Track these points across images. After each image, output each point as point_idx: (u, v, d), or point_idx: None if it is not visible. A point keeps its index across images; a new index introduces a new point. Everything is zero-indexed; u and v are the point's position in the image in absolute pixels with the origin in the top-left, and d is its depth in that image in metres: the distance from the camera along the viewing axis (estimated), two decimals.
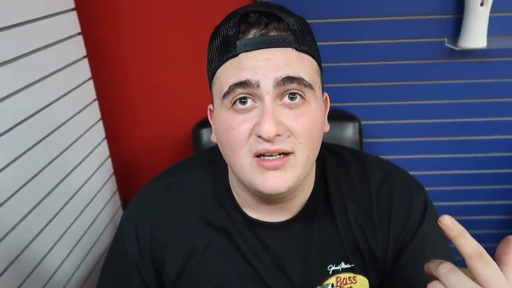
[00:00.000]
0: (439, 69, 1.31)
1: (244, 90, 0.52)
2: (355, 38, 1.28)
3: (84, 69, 1.21)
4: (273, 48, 0.52)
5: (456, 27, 1.25)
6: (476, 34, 1.20)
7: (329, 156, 0.68)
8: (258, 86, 0.51)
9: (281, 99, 0.53)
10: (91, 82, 1.24)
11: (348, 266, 0.63)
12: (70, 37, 1.12)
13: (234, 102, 0.53)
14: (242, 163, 0.54)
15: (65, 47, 1.10)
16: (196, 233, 0.65)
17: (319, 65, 0.58)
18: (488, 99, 1.35)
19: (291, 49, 0.53)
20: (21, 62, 0.92)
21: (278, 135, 0.51)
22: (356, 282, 0.64)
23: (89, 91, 1.24)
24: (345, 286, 0.63)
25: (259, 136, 0.51)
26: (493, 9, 1.18)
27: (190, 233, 0.66)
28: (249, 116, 0.53)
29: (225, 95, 0.53)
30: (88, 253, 1.19)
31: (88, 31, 1.25)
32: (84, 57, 1.21)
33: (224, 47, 0.54)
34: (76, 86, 1.15)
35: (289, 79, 0.51)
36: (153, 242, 0.66)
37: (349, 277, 0.63)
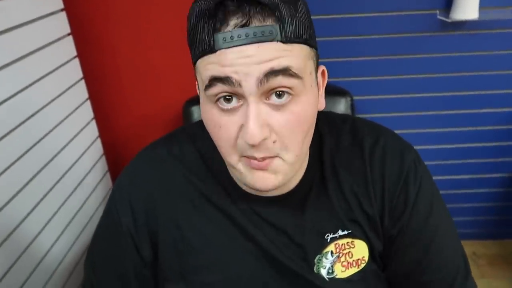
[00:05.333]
0: (431, 42, 1.30)
1: (226, 87, 0.48)
2: (345, 12, 1.26)
3: (69, 47, 1.18)
4: (256, 44, 0.47)
5: None
6: (468, 6, 1.19)
7: (323, 124, 0.67)
8: (240, 85, 0.48)
9: (268, 97, 0.49)
10: (76, 60, 1.21)
11: (345, 232, 0.63)
12: (52, 13, 1.08)
13: (218, 99, 0.50)
14: (231, 160, 0.54)
15: (47, 23, 1.06)
16: (192, 206, 0.65)
17: (312, 46, 0.53)
18: (479, 72, 1.35)
19: (275, 42, 0.47)
20: (1, 39, 0.88)
21: (264, 138, 0.49)
22: (354, 247, 0.64)
23: (75, 70, 1.21)
24: (344, 251, 0.64)
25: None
26: None
27: (186, 206, 0.65)
28: (235, 117, 0.50)
29: (207, 88, 0.50)
30: (79, 235, 1.19)
31: (72, 7, 1.21)
32: (69, 34, 1.17)
33: (202, 38, 0.49)
34: (60, 65, 1.12)
35: (273, 73, 0.47)
36: (148, 213, 0.65)
37: (347, 242, 0.64)
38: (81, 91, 1.24)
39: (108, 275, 0.69)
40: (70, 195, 1.14)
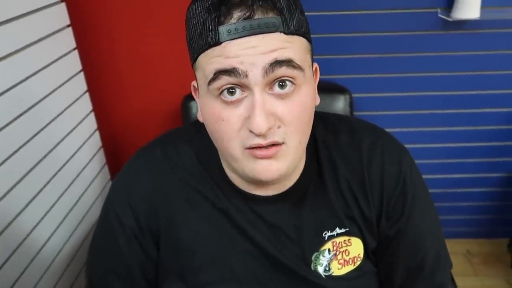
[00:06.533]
0: (432, 41, 1.30)
1: (231, 79, 0.49)
2: (346, 9, 1.25)
3: (68, 39, 1.17)
4: (260, 35, 0.48)
5: None
6: (469, 5, 1.18)
7: (317, 123, 0.67)
8: (246, 76, 0.49)
9: (271, 88, 0.51)
10: (76, 52, 1.21)
11: (343, 230, 0.64)
12: (52, 4, 1.08)
13: (221, 92, 0.51)
14: (233, 153, 0.54)
15: (47, 14, 1.06)
16: (189, 207, 0.65)
17: (309, 40, 0.55)
18: (480, 72, 1.35)
19: (278, 33, 0.49)
20: (0, 30, 0.88)
21: (270, 128, 0.50)
22: (351, 244, 0.65)
23: (74, 62, 1.20)
24: (341, 249, 0.65)
25: (251, 131, 0.50)
26: None
27: (183, 207, 0.65)
28: (239, 109, 0.51)
29: (211, 81, 0.51)
30: (77, 226, 1.19)
31: None
32: (68, 26, 1.17)
33: (205, 32, 0.50)
34: (60, 57, 1.11)
35: (278, 63, 0.49)
36: (148, 213, 0.65)
37: (344, 240, 0.64)
38: (80, 83, 1.24)
39: (113, 281, 0.68)
40: (68, 187, 1.14)
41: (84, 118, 1.24)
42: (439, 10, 1.24)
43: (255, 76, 0.49)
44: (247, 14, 0.48)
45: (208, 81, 0.51)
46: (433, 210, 0.69)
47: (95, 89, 1.34)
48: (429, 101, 1.39)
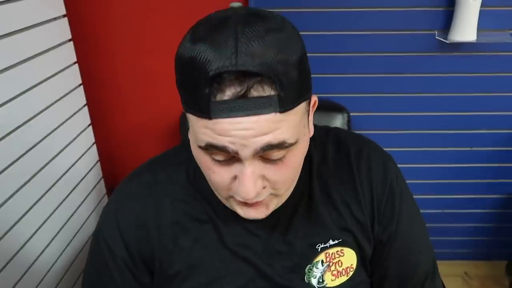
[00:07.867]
0: (429, 62, 1.31)
1: (222, 153, 0.49)
2: (345, 29, 1.27)
3: (69, 53, 1.18)
4: (253, 117, 0.45)
5: (447, 20, 1.25)
6: (466, 28, 1.20)
7: (310, 141, 0.67)
8: (237, 153, 0.48)
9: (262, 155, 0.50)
10: (76, 66, 1.21)
11: (336, 241, 0.65)
12: (54, 19, 1.09)
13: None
14: (221, 197, 0.58)
15: (49, 29, 1.07)
16: (181, 230, 0.64)
17: (309, 96, 0.52)
18: (476, 93, 1.36)
19: (273, 114, 0.46)
20: (1, 43, 0.89)
21: (258, 193, 0.52)
22: (343, 255, 0.65)
23: (74, 76, 1.21)
24: (334, 260, 0.65)
25: None
26: (484, 3, 1.18)
27: (176, 231, 0.64)
28: (230, 168, 0.51)
29: (201, 148, 0.50)
30: (71, 240, 1.18)
31: (74, 13, 1.22)
32: (69, 40, 1.18)
33: (196, 98, 0.46)
34: (60, 70, 1.12)
35: (270, 146, 0.47)
36: (140, 241, 0.65)
37: (337, 251, 0.65)
38: (79, 97, 1.24)
39: None
40: (63, 200, 1.13)
41: (82, 132, 1.24)
42: (436, 32, 1.26)
43: (245, 155, 0.48)
44: (242, 92, 0.44)
45: (198, 146, 0.50)
46: (420, 215, 0.70)
47: (94, 103, 1.34)
48: (427, 121, 1.40)
